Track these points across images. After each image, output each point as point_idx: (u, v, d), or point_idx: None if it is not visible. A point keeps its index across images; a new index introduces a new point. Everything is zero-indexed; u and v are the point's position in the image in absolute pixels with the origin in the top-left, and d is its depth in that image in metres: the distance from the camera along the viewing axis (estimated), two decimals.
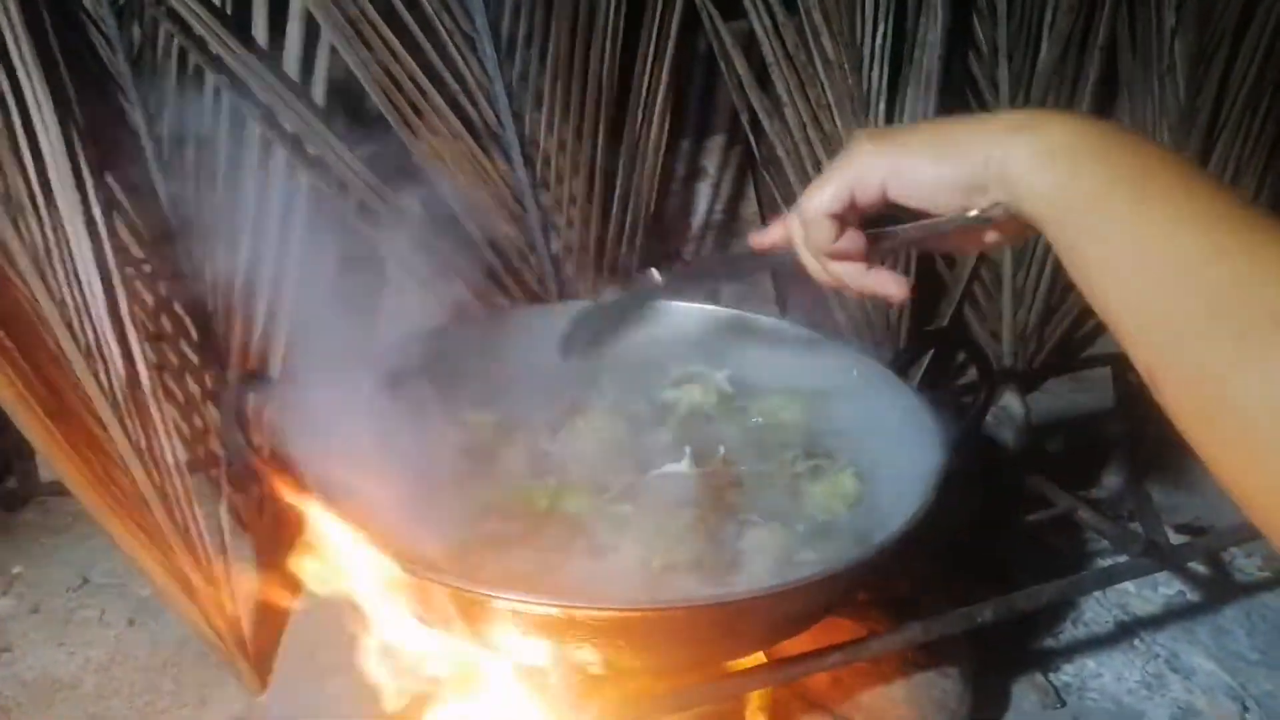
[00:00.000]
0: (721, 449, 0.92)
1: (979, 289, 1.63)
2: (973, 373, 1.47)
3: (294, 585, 1.29)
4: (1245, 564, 1.29)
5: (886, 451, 0.91)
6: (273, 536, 1.35)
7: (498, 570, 0.75)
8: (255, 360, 1.29)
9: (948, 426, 0.87)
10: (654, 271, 0.76)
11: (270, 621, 1.22)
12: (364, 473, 0.78)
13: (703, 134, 1.62)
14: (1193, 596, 1.24)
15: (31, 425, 1.01)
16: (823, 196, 0.61)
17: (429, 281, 1.33)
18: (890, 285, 0.66)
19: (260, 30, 1.20)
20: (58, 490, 1.49)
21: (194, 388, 1.32)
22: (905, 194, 0.58)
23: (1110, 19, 1.51)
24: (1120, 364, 1.38)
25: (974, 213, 0.56)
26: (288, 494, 0.79)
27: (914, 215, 0.62)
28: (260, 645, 1.16)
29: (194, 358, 1.31)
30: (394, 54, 1.21)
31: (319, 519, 0.78)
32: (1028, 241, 1.55)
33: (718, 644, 0.75)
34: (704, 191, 1.67)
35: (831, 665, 0.81)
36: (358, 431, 0.84)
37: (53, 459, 1.02)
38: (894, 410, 0.94)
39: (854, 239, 0.63)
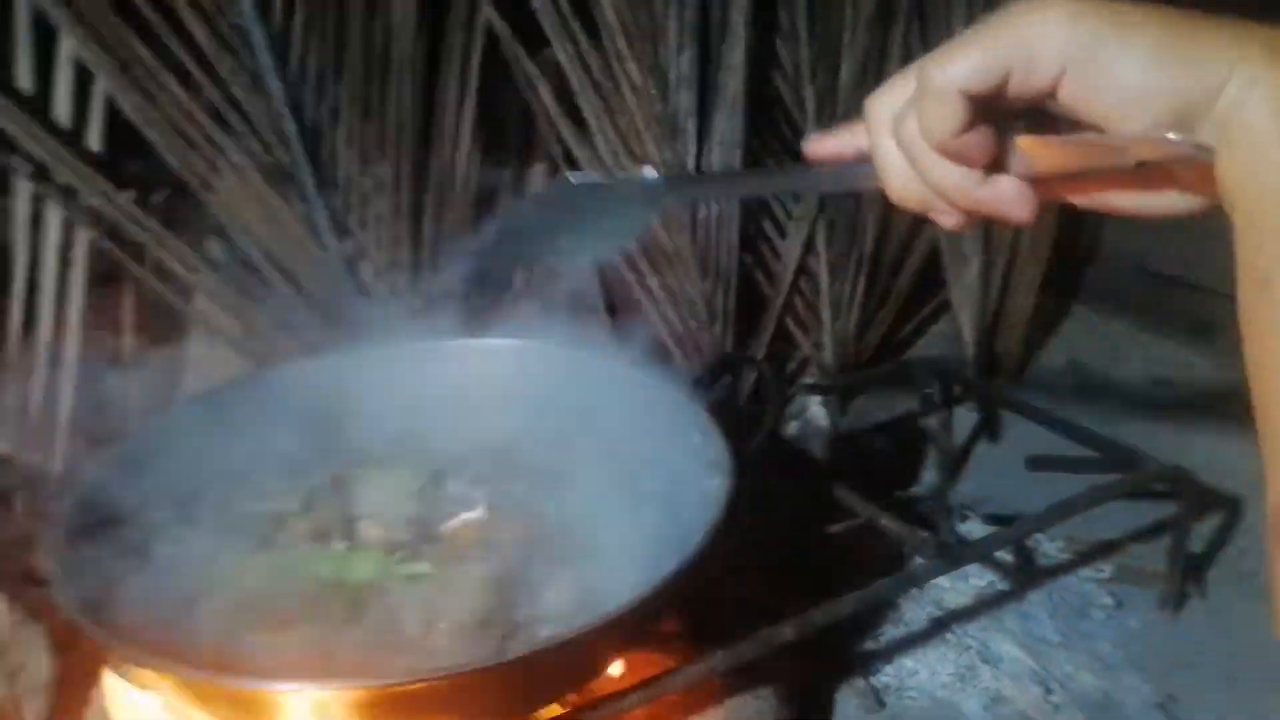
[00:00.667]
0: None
1: (799, 301, 1.68)
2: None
3: (97, 663, 1.23)
4: (1049, 548, 1.37)
5: (682, 475, 0.92)
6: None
7: (271, 655, 0.72)
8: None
9: (735, 448, 0.88)
10: (649, 169, 0.65)
11: (71, 709, 1.15)
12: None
13: (523, 162, 1.62)
14: (1001, 585, 1.30)
15: None
16: (964, 65, 0.41)
17: (236, 338, 1.28)
18: (1015, 201, 0.45)
19: (24, 78, 1.13)
20: None
21: None
22: (1089, 95, 0.40)
23: (904, 34, 1.58)
24: (923, 371, 1.45)
25: (1180, 140, 0.38)
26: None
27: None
28: None
29: None
30: (174, 96, 1.17)
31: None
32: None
33: (511, 703, 0.75)
34: None
35: (632, 705, 0.82)
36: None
37: None
38: (692, 434, 0.94)
39: (984, 136, 0.43)
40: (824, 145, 0.52)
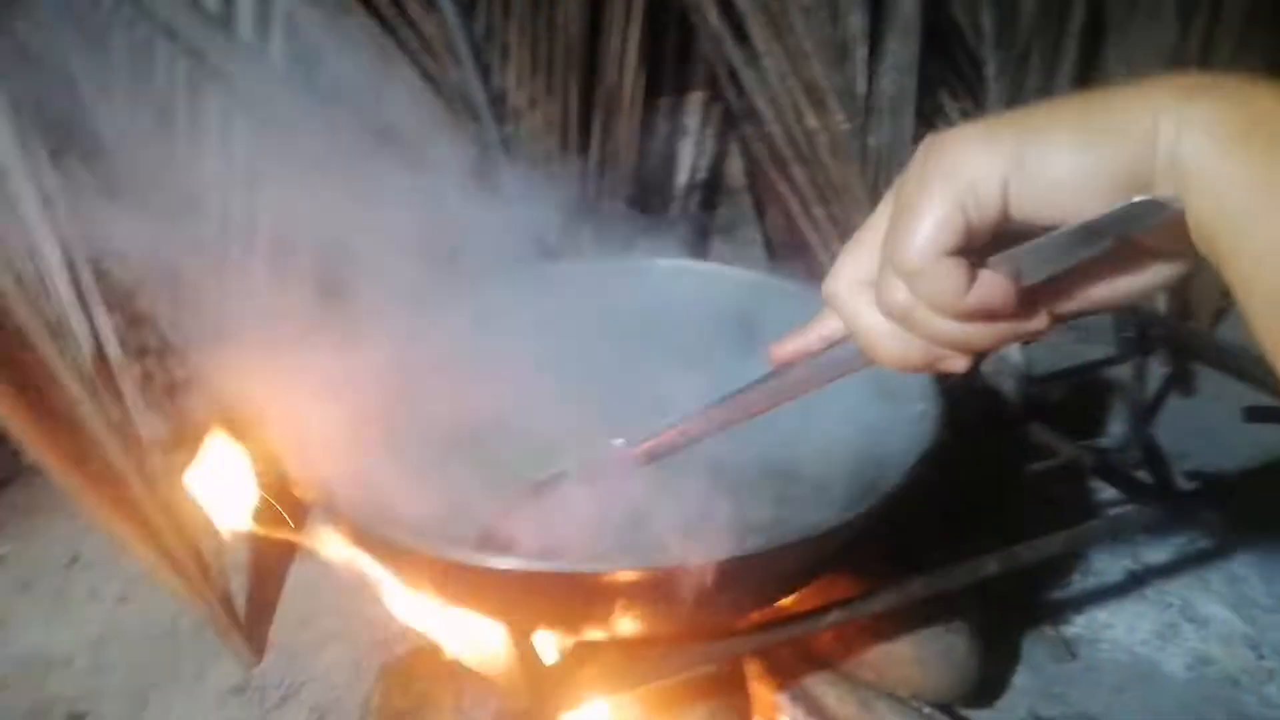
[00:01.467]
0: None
1: None
2: None
3: (285, 558, 1.28)
4: (1257, 510, 1.26)
5: (882, 405, 0.88)
6: (261, 512, 1.33)
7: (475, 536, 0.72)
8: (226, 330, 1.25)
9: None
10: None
11: (263, 594, 1.20)
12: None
13: (682, 91, 1.58)
14: (1204, 544, 1.21)
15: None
16: (926, 228, 0.39)
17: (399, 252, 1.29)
18: (1034, 321, 0.44)
19: None
20: (42, 470, 1.47)
21: (165, 363, 1.29)
22: (1036, 202, 0.38)
23: None
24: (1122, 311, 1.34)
25: (1142, 198, 0.37)
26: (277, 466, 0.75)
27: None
28: (254, 617, 1.14)
29: (163, 332, 1.28)
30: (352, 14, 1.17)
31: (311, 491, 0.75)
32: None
33: (714, 605, 0.72)
34: (687, 150, 1.63)
35: (831, 623, 0.78)
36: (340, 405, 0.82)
37: (23, 436, 0.99)
38: None
39: (996, 281, 0.40)
40: (787, 348, 0.52)
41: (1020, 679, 1.06)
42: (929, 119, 1.48)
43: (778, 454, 0.86)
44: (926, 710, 0.92)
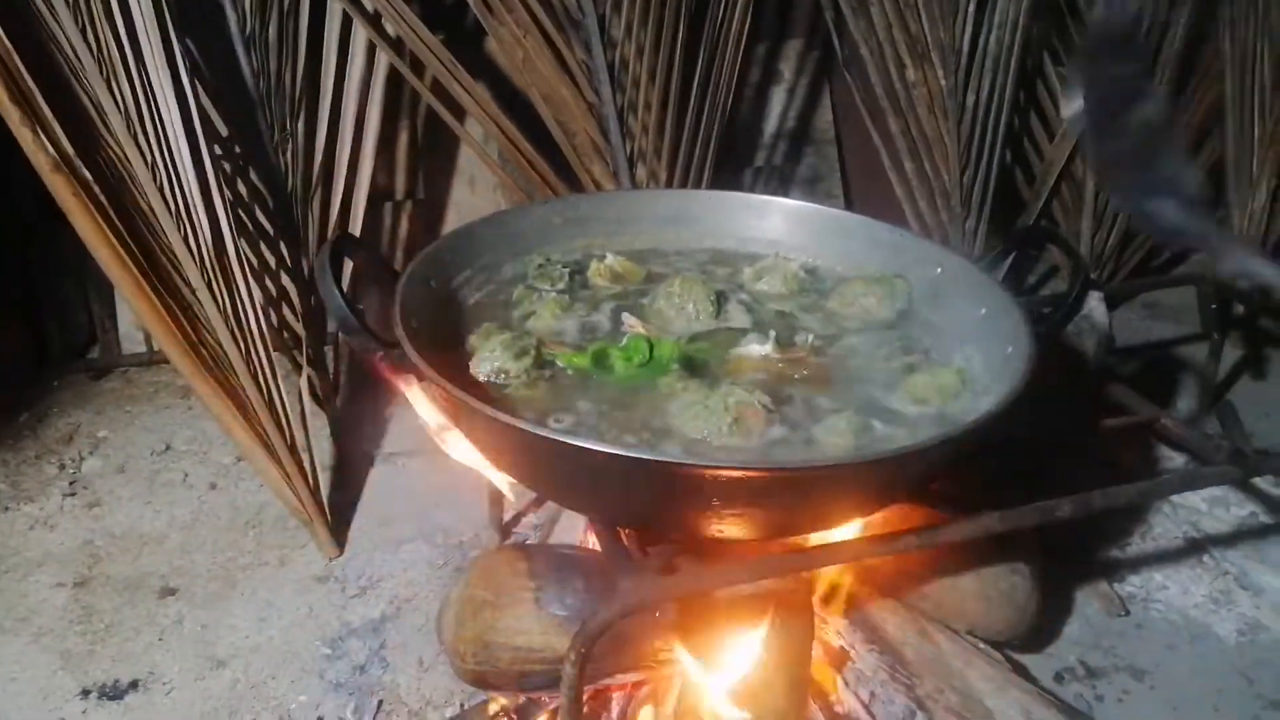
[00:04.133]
0: (810, 336, 0.92)
1: (1058, 206, 1.59)
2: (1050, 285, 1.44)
3: (367, 459, 1.33)
4: None
5: (973, 347, 0.91)
6: (346, 414, 1.39)
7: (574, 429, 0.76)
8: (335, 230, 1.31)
9: (1037, 324, 0.85)
10: None
11: (345, 491, 1.26)
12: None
13: (779, 38, 1.58)
14: (1265, 518, 1.22)
15: (125, 282, 1.03)
16: None
17: (500, 166, 1.33)
18: None
19: None
20: (139, 362, 1.54)
21: (273, 262, 1.35)
22: None
23: None
24: (1206, 284, 1.34)
25: None
26: (385, 353, 0.79)
27: None
28: (336, 513, 1.20)
29: (271, 231, 1.34)
30: None
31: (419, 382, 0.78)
32: None
33: (797, 514, 0.75)
34: (778, 98, 1.64)
35: (906, 548, 0.81)
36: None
37: (144, 316, 1.05)
38: (981, 307, 0.93)
39: None
40: None
41: (1071, 629, 1.09)
42: (1029, 80, 1.48)
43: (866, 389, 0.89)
44: (982, 645, 0.96)
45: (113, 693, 0.98)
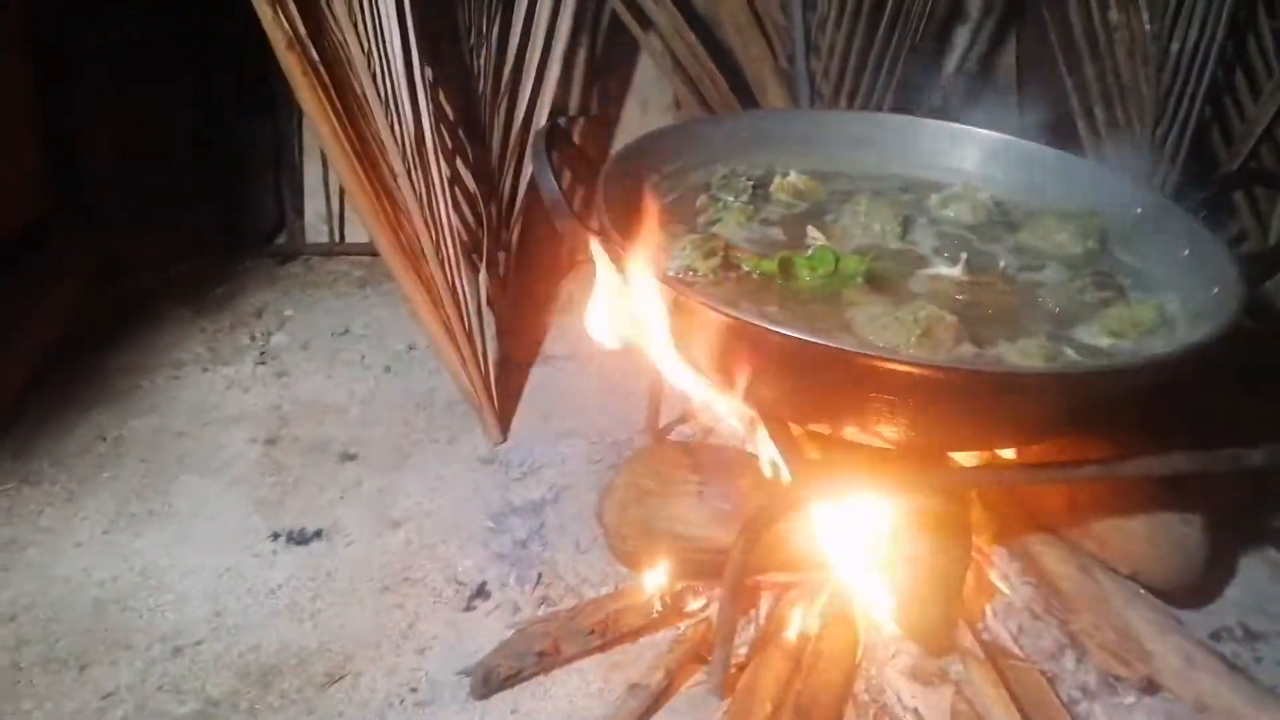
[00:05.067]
0: (1003, 263, 0.91)
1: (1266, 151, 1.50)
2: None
3: (528, 360, 1.39)
4: None
5: (1171, 287, 0.89)
6: (511, 316, 1.45)
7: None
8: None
9: (1244, 267, 0.83)
10: None
11: (508, 387, 1.32)
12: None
13: None
14: None
15: (340, 160, 1.10)
16: None
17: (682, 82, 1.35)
18: None
19: None
20: (321, 251, 1.63)
21: (461, 166, 1.41)
22: None
23: None
24: None
25: None
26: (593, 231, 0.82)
27: None
28: (503, 402, 1.26)
29: (461, 133, 1.39)
30: None
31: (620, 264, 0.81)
32: None
33: (984, 426, 0.76)
34: (962, 36, 1.60)
35: (1083, 477, 0.81)
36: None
37: (353, 195, 1.11)
38: (1184, 248, 0.91)
39: None
40: None
41: (1233, 591, 1.06)
42: (1239, 31, 1.40)
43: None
44: (1143, 590, 0.94)
45: (299, 539, 1.06)
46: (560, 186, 0.84)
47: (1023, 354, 0.80)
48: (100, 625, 0.94)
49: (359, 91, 1.11)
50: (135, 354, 1.34)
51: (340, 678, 0.91)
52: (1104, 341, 0.83)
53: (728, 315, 0.73)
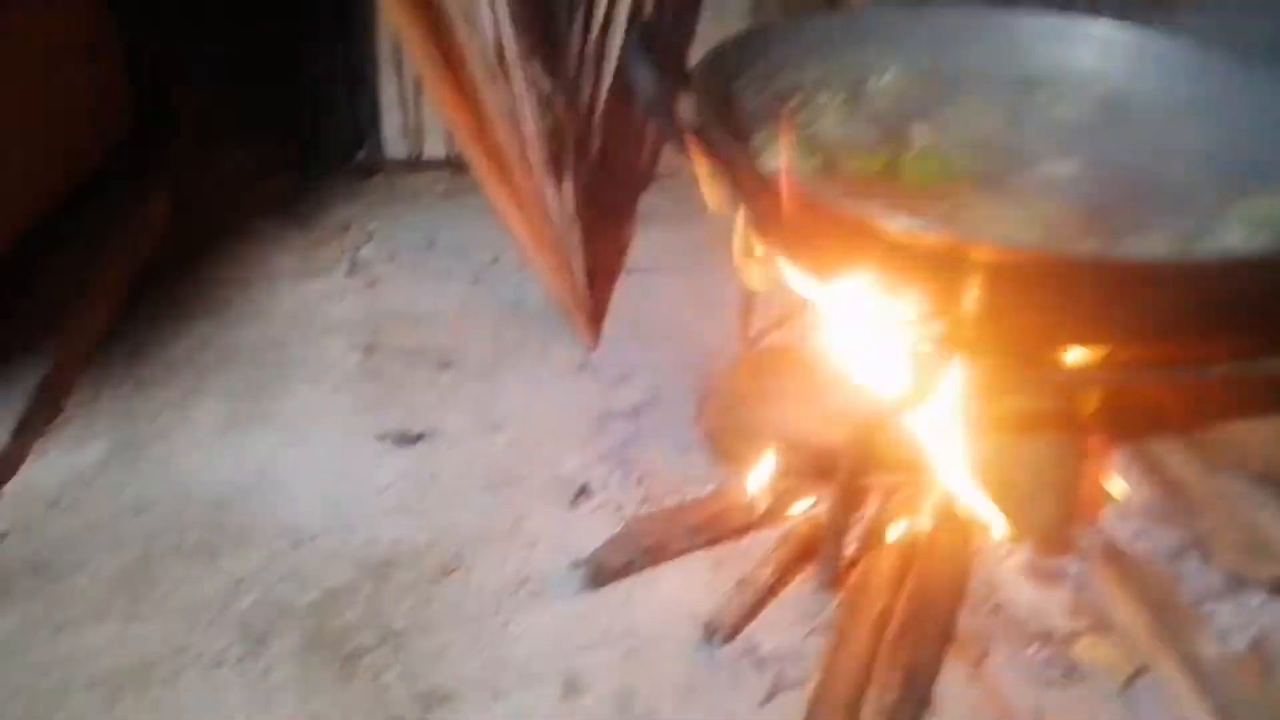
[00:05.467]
0: (1120, 156, 0.89)
1: None
2: None
3: (615, 268, 1.39)
4: None
5: None
6: (596, 228, 1.45)
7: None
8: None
9: None
10: None
11: (596, 295, 1.32)
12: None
13: None
14: None
15: (428, 69, 1.10)
16: None
17: None
18: None
19: None
20: (403, 167, 1.64)
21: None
22: None
23: None
24: None
25: None
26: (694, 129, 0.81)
27: None
28: (594, 310, 1.27)
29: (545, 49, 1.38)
30: None
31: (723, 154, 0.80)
32: None
33: (1122, 318, 0.74)
34: None
35: (1220, 374, 0.79)
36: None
37: (441, 104, 1.11)
38: None
39: None
40: None
41: None
42: None
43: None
44: (1268, 491, 0.93)
45: (404, 440, 1.08)
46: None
47: (1152, 248, 0.79)
48: (223, 520, 0.97)
49: (440, 5, 1.10)
50: (229, 267, 1.37)
51: (453, 570, 0.94)
52: (1241, 233, 0.80)
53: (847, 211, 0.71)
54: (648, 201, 1.56)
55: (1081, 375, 0.85)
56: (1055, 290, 0.71)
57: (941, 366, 0.81)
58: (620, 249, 1.44)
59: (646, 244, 1.46)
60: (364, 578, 0.92)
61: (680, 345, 1.23)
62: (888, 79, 1.02)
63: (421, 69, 1.10)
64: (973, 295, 0.75)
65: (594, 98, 1.44)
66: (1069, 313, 0.75)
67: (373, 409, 1.13)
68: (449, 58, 1.11)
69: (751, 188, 0.79)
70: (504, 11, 1.15)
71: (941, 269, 0.73)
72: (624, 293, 1.35)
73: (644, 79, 0.84)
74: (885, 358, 0.90)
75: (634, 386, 1.17)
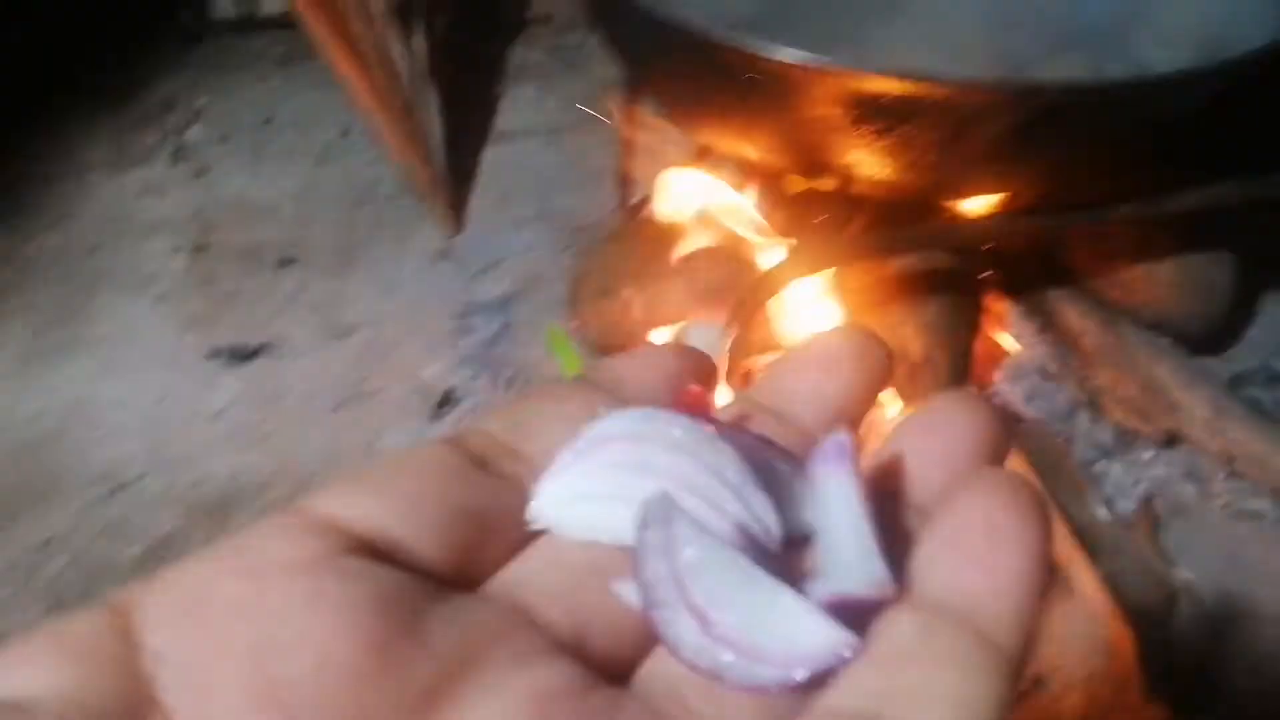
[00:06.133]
0: None
1: None
2: None
3: (481, 137, 1.24)
4: None
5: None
6: (457, 87, 1.28)
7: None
8: None
9: None
10: None
11: (460, 170, 1.17)
12: None
13: None
14: None
15: None
16: None
17: None
18: None
19: None
20: (232, 28, 1.43)
21: None
22: None
23: None
24: None
25: None
26: None
27: None
28: (454, 190, 1.12)
29: None
30: None
31: None
32: None
33: (1009, 159, 0.64)
34: None
35: (1121, 217, 0.70)
36: None
37: None
38: None
39: None
40: None
41: (1255, 333, 0.98)
42: None
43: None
44: (1165, 341, 0.86)
45: (240, 356, 0.95)
46: None
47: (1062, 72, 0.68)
48: (26, 470, 0.85)
49: None
50: (29, 160, 1.18)
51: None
52: (1158, 54, 0.70)
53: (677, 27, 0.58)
54: (517, 53, 1.39)
55: (977, 227, 0.75)
56: (956, 126, 0.60)
57: (825, 229, 0.71)
58: (486, 112, 1.28)
59: (517, 104, 1.30)
60: (197, 522, 0.81)
61: (555, 221, 1.10)
62: None
63: None
64: (864, 141, 0.63)
65: None
66: (971, 153, 0.64)
67: (202, 323, 0.99)
68: None
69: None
70: None
71: (829, 106, 0.61)
72: (492, 163, 1.20)
73: None
74: (764, 221, 0.80)
75: (503, 274, 1.04)
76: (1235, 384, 0.94)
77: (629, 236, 0.91)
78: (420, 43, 1.19)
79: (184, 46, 1.40)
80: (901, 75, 0.55)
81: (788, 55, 0.54)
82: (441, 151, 1.13)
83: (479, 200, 1.14)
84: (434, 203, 1.08)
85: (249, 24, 1.42)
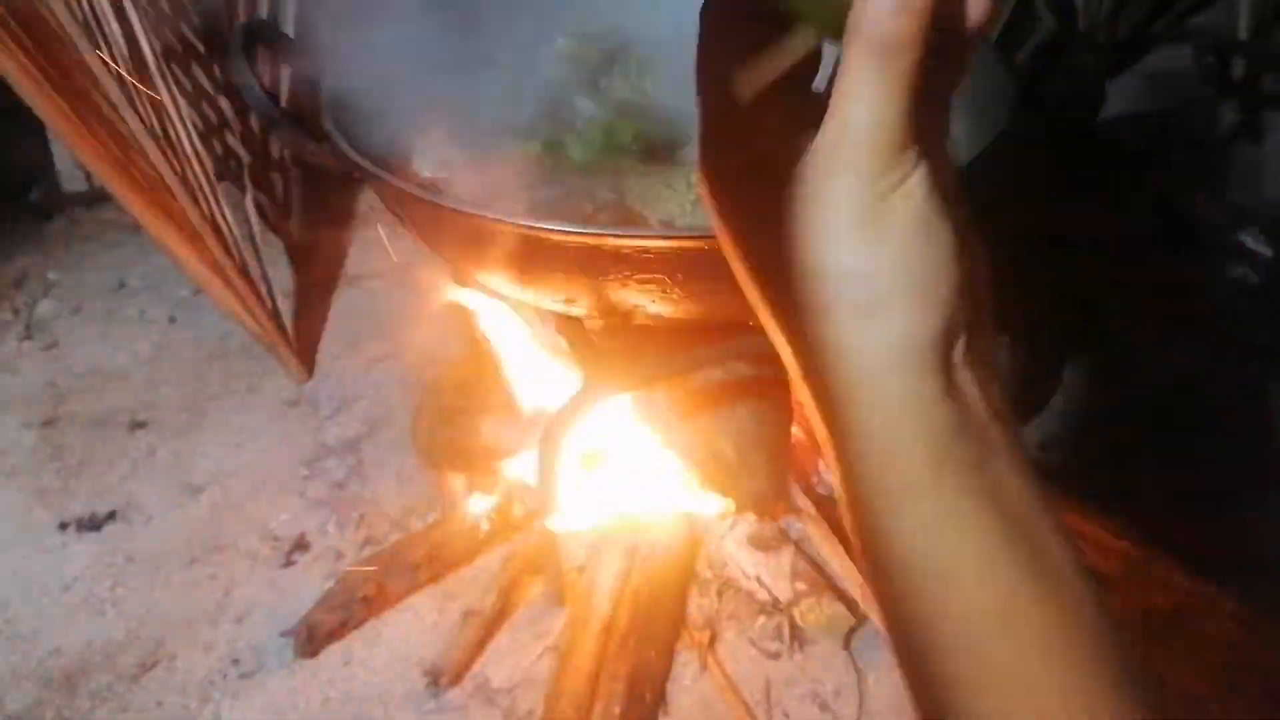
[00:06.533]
0: None
1: None
2: None
3: (330, 283, 1.29)
4: None
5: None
6: (303, 238, 1.34)
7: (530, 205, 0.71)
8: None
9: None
10: None
11: (309, 316, 1.22)
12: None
13: None
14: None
15: (36, 97, 0.96)
16: None
17: None
18: None
19: None
20: (84, 201, 1.47)
21: (204, 80, 1.26)
22: None
23: None
24: (1202, 40, 1.27)
25: None
26: (311, 145, 0.74)
27: None
28: (302, 337, 1.17)
29: (199, 47, 1.24)
30: None
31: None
32: None
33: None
34: None
35: None
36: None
37: (62, 134, 0.98)
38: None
39: None
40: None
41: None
42: None
43: None
44: None
45: (91, 524, 0.97)
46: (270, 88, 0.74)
47: None
48: None
49: (51, 21, 0.96)
50: None
51: (153, 665, 0.84)
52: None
53: (450, 210, 0.65)
54: (364, 198, 1.46)
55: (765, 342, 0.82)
56: (704, 269, 0.68)
57: (624, 359, 0.77)
58: (336, 258, 1.34)
59: (366, 246, 1.36)
60: (50, 695, 0.82)
61: (404, 359, 1.16)
62: (559, 46, 0.96)
63: (33, 103, 0.95)
64: (621, 283, 0.70)
65: (275, 88, 1.31)
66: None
67: (53, 494, 1.00)
68: (66, 77, 0.97)
69: (388, 196, 0.72)
70: (139, 21, 1.02)
71: (585, 264, 0.68)
72: (342, 307, 1.25)
73: (245, 84, 0.74)
74: (553, 357, 0.86)
75: (352, 415, 1.09)
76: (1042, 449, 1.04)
77: (460, 371, 0.97)
78: (252, 200, 1.24)
79: (37, 222, 1.43)
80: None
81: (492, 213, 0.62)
82: (289, 300, 1.18)
83: (329, 344, 1.19)
84: (282, 353, 1.12)
85: (101, 196, 1.46)
